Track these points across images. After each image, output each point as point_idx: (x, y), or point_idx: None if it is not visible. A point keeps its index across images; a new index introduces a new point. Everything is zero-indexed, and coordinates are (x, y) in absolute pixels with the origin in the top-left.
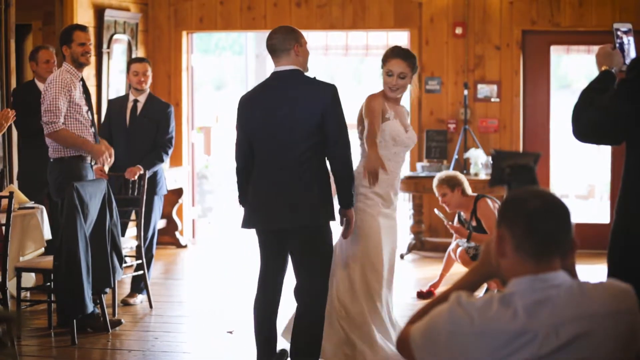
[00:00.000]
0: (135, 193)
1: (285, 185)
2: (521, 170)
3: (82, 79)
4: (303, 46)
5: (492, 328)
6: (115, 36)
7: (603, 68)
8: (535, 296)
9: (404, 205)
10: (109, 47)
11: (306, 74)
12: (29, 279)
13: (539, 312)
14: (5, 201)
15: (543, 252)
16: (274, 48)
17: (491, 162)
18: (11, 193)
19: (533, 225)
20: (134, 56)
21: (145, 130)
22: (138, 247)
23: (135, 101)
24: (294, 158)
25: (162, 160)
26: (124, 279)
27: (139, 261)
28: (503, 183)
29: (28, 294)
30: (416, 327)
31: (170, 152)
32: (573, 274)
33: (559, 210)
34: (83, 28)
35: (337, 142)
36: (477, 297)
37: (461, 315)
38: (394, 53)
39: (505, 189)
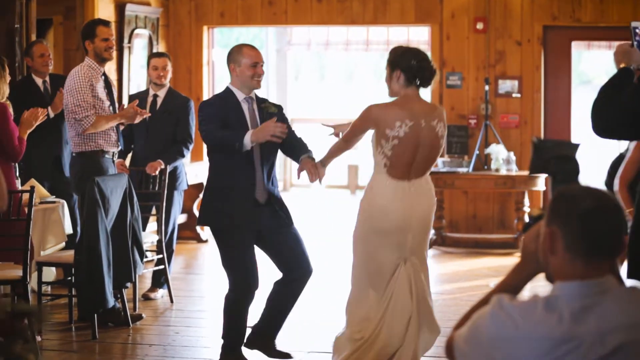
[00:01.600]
0: (156, 188)
1: None
2: (566, 162)
3: (104, 74)
4: (242, 66)
5: (536, 333)
6: (136, 31)
7: (621, 65)
8: (582, 302)
9: None
10: (129, 41)
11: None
12: (50, 274)
13: (586, 318)
14: (26, 196)
15: (594, 254)
16: None
17: (532, 149)
18: (32, 187)
19: (586, 225)
20: (154, 51)
21: (165, 125)
22: (159, 242)
23: (155, 96)
24: None
25: (182, 155)
26: (145, 273)
27: (160, 256)
28: (545, 171)
29: (49, 289)
30: (459, 333)
31: (190, 146)
32: (618, 276)
33: (613, 211)
34: (106, 23)
35: None
36: (519, 299)
37: (504, 319)
38: None
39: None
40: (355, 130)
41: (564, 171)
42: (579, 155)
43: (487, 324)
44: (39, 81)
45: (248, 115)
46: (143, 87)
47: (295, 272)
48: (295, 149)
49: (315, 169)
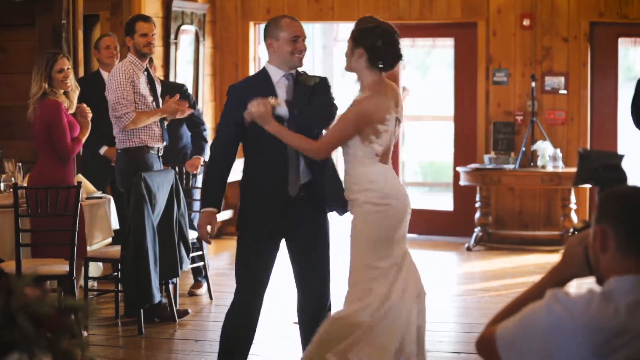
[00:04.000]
0: (197, 184)
1: None
2: (613, 170)
3: (146, 70)
4: (280, 41)
5: (593, 324)
6: (183, 27)
7: None
8: (638, 296)
9: (470, 197)
10: (176, 38)
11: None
12: (97, 269)
13: None
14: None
15: None
16: None
17: (578, 159)
18: (79, 183)
19: (638, 223)
20: (201, 47)
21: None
22: (198, 238)
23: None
24: None
25: (205, 140)
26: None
27: (200, 252)
28: (592, 182)
29: (95, 284)
30: (504, 325)
31: (204, 126)
32: None
33: None
34: (146, 18)
35: None
36: (572, 293)
37: (560, 311)
38: None
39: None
40: (346, 134)
41: (611, 179)
42: (625, 165)
43: (543, 315)
44: (105, 75)
45: (285, 94)
46: (190, 83)
47: (309, 298)
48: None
49: None
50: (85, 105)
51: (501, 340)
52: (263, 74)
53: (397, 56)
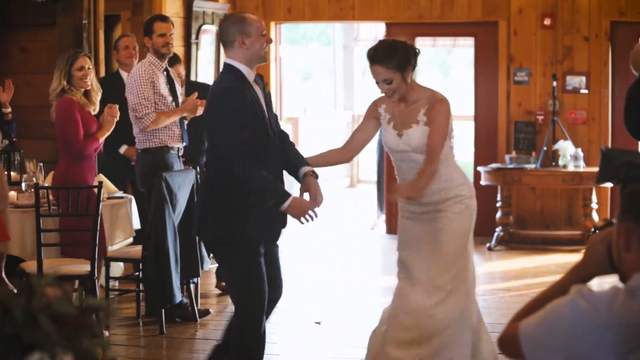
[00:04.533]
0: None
1: None
2: (636, 168)
3: (166, 69)
4: (252, 37)
5: (617, 320)
6: (204, 27)
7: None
8: None
9: (491, 196)
10: (197, 37)
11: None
12: (118, 269)
13: None
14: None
15: None
16: (220, 39)
17: (601, 158)
18: (100, 183)
19: None
20: (222, 47)
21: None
22: None
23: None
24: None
25: None
26: (211, 269)
27: None
28: (614, 180)
29: (117, 284)
30: (528, 322)
31: None
32: None
33: None
34: (163, 18)
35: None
36: (596, 290)
37: (585, 307)
38: (369, 59)
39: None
40: (447, 131)
41: (633, 177)
42: None
43: (568, 312)
44: (124, 75)
45: (262, 100)
46: (211, 83)
47: (276, 292)
48: (290, 155)
49: (320, 194)
50: (116, 106)
51: (525, 337)
52: (239, 74)
53: (417, 51)
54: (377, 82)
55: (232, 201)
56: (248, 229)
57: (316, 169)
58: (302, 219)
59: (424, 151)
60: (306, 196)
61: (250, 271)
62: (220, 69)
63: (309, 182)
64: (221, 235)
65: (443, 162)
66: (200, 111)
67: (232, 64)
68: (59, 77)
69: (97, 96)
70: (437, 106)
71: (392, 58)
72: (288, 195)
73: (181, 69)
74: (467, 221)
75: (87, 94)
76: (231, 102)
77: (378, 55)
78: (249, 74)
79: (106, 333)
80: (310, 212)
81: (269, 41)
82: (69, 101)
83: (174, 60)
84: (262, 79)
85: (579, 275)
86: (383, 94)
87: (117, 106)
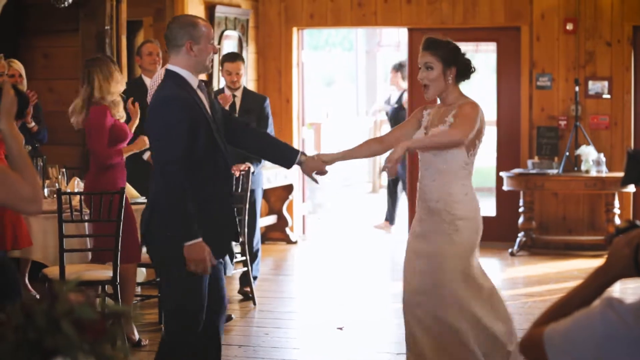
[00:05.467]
0: (239, 190)
1: None
2: None
3: None
4: (201, 44)
5: None
6: (226, 32)
7: None
8: None
9: (514, 202)
10: (219, 43)
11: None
12: (140, 274)
13: None
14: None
15: None
16: (166, 41)
17: (626, 160)
18: (122, 188)
19: None
20: (245, 53)
21: None
22: (242, 244)
23: (233, 96)
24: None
25: (260, 160)
26: (234, 274)
27: (243, 258)
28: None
29: (139, 289)
30: (554, 328)
31: None
32: None
33: None
34: (232, 58)
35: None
36: (628, 301)
37: (615, 319)
38: (422, 45)
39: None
40: (474, 127)
41: None
42: None
43: (597, 323)
44: (147, 81)
45: (208, 107)
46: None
47: (219, 304)
48: (281, 148)
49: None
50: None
51: (550, 342)
52: (181, 79)
53: (473, 68)
54: (420, 69)
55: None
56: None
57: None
58: (194, 266)
59: (442, 155)
60: (317, 177)
61: (192, 283)
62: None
63: (311, 164)
64: (167, 245)
65: (450, 175)
66: None
67: (174, 70)
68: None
69: (120, 105)
70: (464, 107)
71: (441, 48)
72: (196, 236)
73: (241, 66)
74: (459, 244)
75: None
76: (170, 112)
77: (430, 43)
78: (192, 80)
79: (136, 336)
80: (206, 263)
81: (215, 51)
82: (104, 110)
83: (234, 56)
84: (207, 85)
85: (603, 277)
86: (421, 82)
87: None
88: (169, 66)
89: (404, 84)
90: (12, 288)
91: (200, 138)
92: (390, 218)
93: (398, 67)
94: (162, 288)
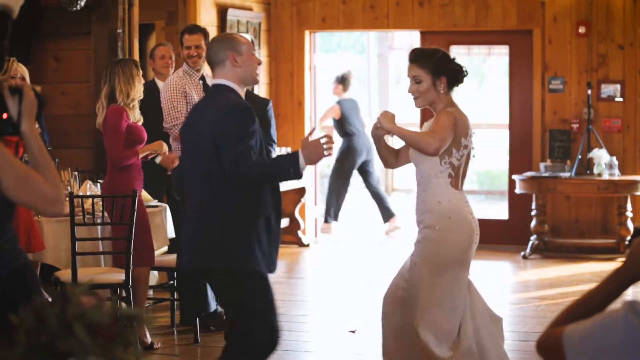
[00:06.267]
0: None
1: None
2: None
3: (202, 79)
4: (244, 55)
5: None
6: None
7: None
8: None
9: (526, 205)
10: None
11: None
12: (152, 277)
13: None
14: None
15: None
16: (209, 61)
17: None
18: (134, 191)
19: None
20: (257, 55)
21: None
22: None
23: None
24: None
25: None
26: None
27: None
28: None
29: (151, 292)
30: (574, 329)
31: (274, 150)
32: None
33: None
34: (191, 30)
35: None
36: None
37: (637, 324)
38: (409, 57)
39: None
40: (449, 135)
41: None
42: None
43: (619, 327)
44: (160, 84)
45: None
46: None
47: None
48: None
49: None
50: None
51: (569, 343)
52: (231, 90)
53: (465, 73)
54: (410, 81)
55: (238, 228)
56: (256, 257)
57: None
58: (325, 152)
59: (418, 167)
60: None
61: (270, 294)
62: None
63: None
64: (229, 265)
65: (424, 185)
66: None
67: (223, 83)
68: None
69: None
70: (440, 116)
71: (429, 61)
72: (295, 153)
73: (202, 40)
74: (428, 257)
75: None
76: (242, 117)
77: (417, 55)
78: (241, 92)
79: (148, 339)
80: (323, 141)
81: (259, 62)
82: (117, 109)
83: (193, 28)
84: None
85: (622, 279)
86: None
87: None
88: (217, 80)
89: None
90: (32, 292)
91: (258, 146)
92: (333, 215)
93: (340, 80)
94: (231, 299)
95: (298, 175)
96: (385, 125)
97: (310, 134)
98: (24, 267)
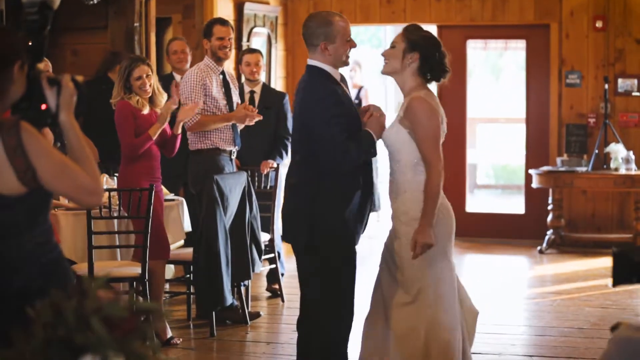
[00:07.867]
0: (268, 187)
1: None
2: None
3: (222, 73)
4: (336, 43)
5: None
6: (255, 29)
7: None
8: None
9: (542, 199)
10: (248, 40)
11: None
12: (169, 271)
13: None
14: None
15: None
16: (304, 38)
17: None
18: (151, 185)
19: None
20: (274, 50)
21: (265, 121)
22: (270, 241)
23: (252, 92)
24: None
25: (286, 149)
26: (262, 271)
27: (272, 255)
28: None
29: (167, 286)
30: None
31: (289, 139)
32: None
33: None
34: (223, 22)
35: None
36: None
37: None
38: None
39: None
40: (437, 134)
41: None
42: None
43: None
44: (178, 78)
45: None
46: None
47: None
48: None
49: None
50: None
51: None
52: (327, 75)
53: (446, 71)
54: None
55: (333, 202)
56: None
57: None
58: (384, 120)
59: (396, 158)
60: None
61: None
62: (272, 71)
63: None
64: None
65: (412, 169)
66: (249, 121)
67: (317, 65)
68: (118, 88)
69: (162, 98)
70: (412, 104)
71: (413, 33)
72: (367, 133)
73: (261, 58)
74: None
75: (150, 98)
76: (331, 97)
77: (407, 26)
78: (335, 74)
79: (168, 334)
80: (375, 108)
81: (353, 46)
82: (123, 105)
83: (253, 50)
84: (344, 80)
85: None
86: None
87: (176, 100)
88: (310, 61)
89: (361, 82)
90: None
91: (350, 125)
92: None
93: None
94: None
95: (376, 153)
96: (427, 232)
97: (368, 112)
98: (56, 261)
